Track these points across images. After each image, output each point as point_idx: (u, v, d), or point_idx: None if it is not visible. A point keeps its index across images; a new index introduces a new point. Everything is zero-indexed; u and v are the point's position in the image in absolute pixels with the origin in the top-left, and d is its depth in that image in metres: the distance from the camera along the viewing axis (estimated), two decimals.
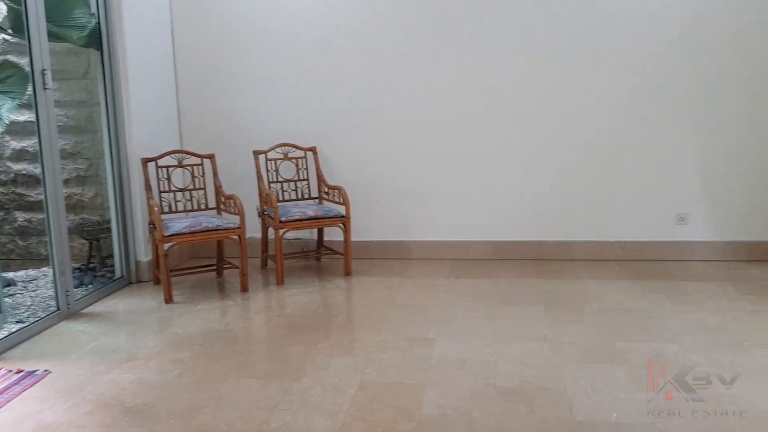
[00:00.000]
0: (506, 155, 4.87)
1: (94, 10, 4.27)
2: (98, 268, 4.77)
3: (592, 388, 2.76)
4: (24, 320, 3.79)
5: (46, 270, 4.76)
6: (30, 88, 3.66)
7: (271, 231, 4.70)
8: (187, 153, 4.63)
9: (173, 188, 4.55)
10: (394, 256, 5.09)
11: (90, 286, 4.39)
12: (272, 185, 4.84)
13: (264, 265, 4.92)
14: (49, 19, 3.73)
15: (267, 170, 4.85)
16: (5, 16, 4.42)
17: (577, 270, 4.64)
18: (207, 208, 4.63)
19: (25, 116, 4.83)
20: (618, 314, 3.69)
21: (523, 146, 4.85)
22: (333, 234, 4.90)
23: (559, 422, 2.48)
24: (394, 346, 3.29)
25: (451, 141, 4.91)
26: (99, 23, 4.28)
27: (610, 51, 4.66)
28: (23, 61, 4.22)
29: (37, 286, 4.52)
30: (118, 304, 4.17)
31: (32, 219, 5.07)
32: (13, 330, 3.54)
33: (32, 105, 3.67)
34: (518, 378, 2.88)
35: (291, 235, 4.75)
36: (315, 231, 5.03)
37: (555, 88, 4.75)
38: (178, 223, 4.15)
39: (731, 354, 3.08)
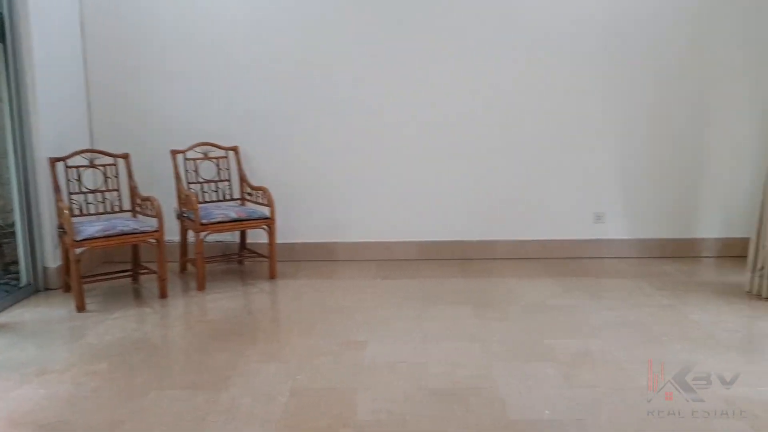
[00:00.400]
0: (429, 157, 4.89)
1: None
2: (1, 275, 4.45)
3: (523, 386, 2.80)
4: None
5: None
6: None
7: (190, 234, 4.53)
8: (99, 152, 4.39)
9: (84, 190, 4.30)
10: (319, 258, 5.01)
11: None
12: (192, 186, 4.66)
13: (183, 269, 4.73)
14: None
15: (186, 170, 4.66)
16: None
17: (500, 269, 4.71)
18: (121, 211, 4.41)
19: None
20: (542, 312, 3.78)
21: (444, 148, 4.88)
22: (256, 236, 4.77)
23: (493, 422, 2.50)
24: (324, 351, 3.22)
25: (374, 143, 4.88)
26: (2, 14, 3.99)
27: (530, 59, 4.75)
28: None
29: None
30: (24, 313, 3.90)
31: None
32: None
33: None
34: (450, 379, 2.88)
35: (212, 238, 4.58)
36: (237, 233, 4.89)
37: (475, 93, 4.81)
38: (91, 227, 3.92)
39: (652, 349, 3.20)
